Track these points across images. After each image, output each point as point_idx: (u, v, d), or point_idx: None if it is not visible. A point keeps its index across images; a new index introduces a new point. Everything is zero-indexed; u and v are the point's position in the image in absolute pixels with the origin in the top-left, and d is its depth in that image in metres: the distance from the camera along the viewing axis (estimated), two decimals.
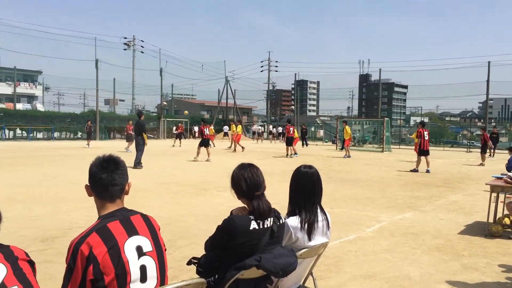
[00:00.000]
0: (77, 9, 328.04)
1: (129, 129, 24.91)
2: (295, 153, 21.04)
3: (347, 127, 21.78)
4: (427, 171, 14.39)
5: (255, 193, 2.56)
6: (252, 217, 2.50)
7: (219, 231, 2.53)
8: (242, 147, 23.96)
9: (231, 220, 2.48)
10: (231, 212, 2.66)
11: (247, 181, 2.59)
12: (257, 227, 2.48)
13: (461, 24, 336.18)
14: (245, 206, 2.63)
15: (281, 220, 2.65)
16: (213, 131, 30.32)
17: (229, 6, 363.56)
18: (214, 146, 27.34)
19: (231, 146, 23.99)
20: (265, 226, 2.52)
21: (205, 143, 17.73)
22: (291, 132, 20.78)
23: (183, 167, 15.42)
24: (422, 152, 14.87)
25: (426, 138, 14.93)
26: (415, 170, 14.66)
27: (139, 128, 15.10)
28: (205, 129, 17.99)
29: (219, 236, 2.53)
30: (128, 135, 24.79)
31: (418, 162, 14.90)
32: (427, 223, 7.03)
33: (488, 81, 36.65)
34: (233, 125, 25.25)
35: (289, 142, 20.88)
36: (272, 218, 2.57)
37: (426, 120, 55.58)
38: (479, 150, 20.68)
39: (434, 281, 4.39)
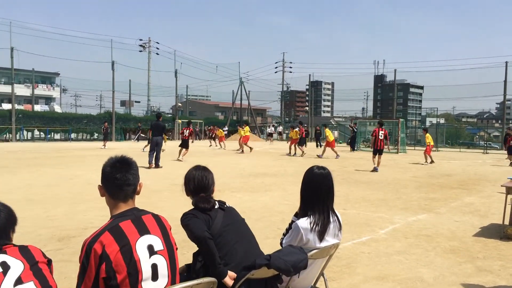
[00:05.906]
0: (93, 12, 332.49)
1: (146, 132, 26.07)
2: (320, 155, 21.54)
3: (428, 134, 19.94)
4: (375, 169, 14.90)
5: (200, 194, 2.77)
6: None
7: (189, 220, 2.68)
8: (250, 148, 24.25)
9: (185, 213, 2.73)
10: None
11: (194, 181, 2.80)
12: (207, 206, 2.68)
13: (478, 24, 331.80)
14: None
15: (226, 205, 2.82)
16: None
17: (243, 7, 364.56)
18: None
19: (239, 148, 24.28)
20: (214, 207, 2.72)
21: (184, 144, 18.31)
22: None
23: None
24: (376, 151, 15.55)
25: (381, 137, 15.76)
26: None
27: (160, 129, 15.52)
28: (185, 131, 18.86)
29: (192, 224, 2.65)
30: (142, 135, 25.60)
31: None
32: (441, 225, 6.96)
33: (505, 81, 36.03)
34: (240, 129, 25.57)
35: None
36: (216, 206, 2.74)
37: (442, 121, 54.85)
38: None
39: (447, 284, 4.35)
